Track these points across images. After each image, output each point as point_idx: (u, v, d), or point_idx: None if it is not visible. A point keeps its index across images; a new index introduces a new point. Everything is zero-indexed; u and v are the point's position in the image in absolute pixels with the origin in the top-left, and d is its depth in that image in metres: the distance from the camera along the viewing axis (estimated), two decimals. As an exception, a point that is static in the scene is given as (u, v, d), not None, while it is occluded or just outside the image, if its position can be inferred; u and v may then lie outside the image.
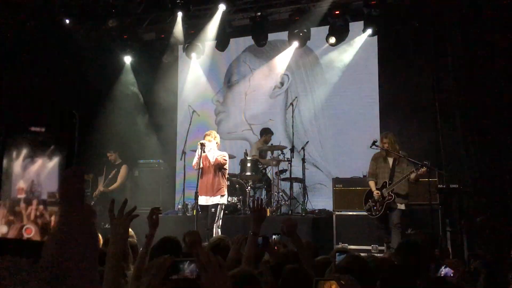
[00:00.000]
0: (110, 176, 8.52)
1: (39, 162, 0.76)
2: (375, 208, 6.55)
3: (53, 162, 0.77)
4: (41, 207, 0.76)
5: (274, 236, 3.24)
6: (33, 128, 0.75)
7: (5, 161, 0.74)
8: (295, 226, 3.10)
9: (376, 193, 6.51)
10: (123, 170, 8.54)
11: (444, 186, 6.35)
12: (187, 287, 1.50)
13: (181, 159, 8.01)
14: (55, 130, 0.77)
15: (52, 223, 0.74)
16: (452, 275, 2.49)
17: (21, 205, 0.75)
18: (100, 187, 8.47)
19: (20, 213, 0.74)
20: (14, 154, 0.75)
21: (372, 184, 6.65)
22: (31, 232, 0.75)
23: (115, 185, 8.46)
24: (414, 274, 2.72)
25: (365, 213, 6.76)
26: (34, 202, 0.75)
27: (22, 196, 0.75)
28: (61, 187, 0.75)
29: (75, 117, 0.78)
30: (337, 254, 2.67)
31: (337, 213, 7.60)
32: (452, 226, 6.30)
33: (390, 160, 6.57)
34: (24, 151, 0.75)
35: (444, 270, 2.54)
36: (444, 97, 7.76)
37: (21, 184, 0.75)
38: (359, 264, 2.48)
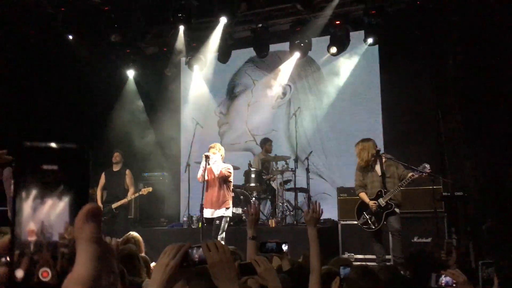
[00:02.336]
0: (115, 185, 8.11)
1: (49, 202, 0.73)
2: (372, 220, 6.14)
3: (64, 202, 0.75)
4: (55, 249, 0.73)
5: (283, 245, 3.25)
6: (45, 166, 0.74)
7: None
8: (319, 216, 3.04)
9: (372, 204, 6.11)
10: (129, 174, 8.14)
11: (449, 194, 6.30)
12: (197, 272, 1.60)
13: (185, 171, 8.05)
14: (67, 168, 0.75)
15: (68, 265, 0.72)
16: (453, 285, 2.49)
17: (33, 248, 0.73)
18: (128, 197, 7.95)
19: (33, 256, 0.72)
20: (24, 194, 0.72)
21: (364, 195, 6.24)
22: (47, 275, 0.73)
23: (131, 192, 8.01)
24: (422, 284, 2.73)
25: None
26: (46, 244, 0.73)
27: (33, 238, 0.72)
28: (75, 228, 0.73)
29: (88, 154, 0.77)
30: (341, 267, 2.68)
31: (342, 222, 7.59)
32: (458, 233, 6.25)
33: (377, 168, 6.21)
34: (33, 191, 0.72)
35: (445, 280, 2.54)
36: (446, 104, 7.78)
37: (32, 226, 0.72)
38: (369, 276, 2.48)
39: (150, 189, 8.02)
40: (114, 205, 7.88)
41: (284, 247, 3.14)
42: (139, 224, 9.11)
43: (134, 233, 4.20)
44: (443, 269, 2.75)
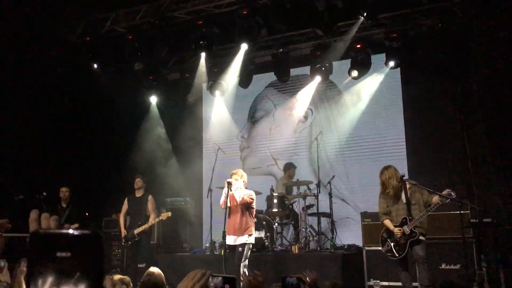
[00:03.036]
0: (137, 211, 8.08)
1: None
2: (397, 248, 6.01)
3: None
4: None
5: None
6: (59, 254, 0.74)
7: None
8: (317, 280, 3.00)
9: (398, 230, 5.98)
10: (151, 200, 8.12)
11: (477, 220, 6.12)
12: None
13: (207, 197, 8.05)
14: (81, 254, 0.75)
15: None
16: None
17: None
18: (149, 223, 7.89)
19: None
20: (40, 282, 0.73)
21: (388, 223, 6.11)
22: None
23: (152, 218, 7.97)
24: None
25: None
26: None
27: None
28: None
29: (101, 239, 0.77)
30: None
31: (367, 248, 7.46)
32: (487, 261, 6.03)
33: (402, 195, 6.07)
34: (49, 279, 0.73)
35: None
36: (472, 127, 7.64)
37: None
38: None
39: (169, 214, 8.03)
40: (136, 231, 7.90)
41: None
42: (162, 250, 9.11)
43: (155, 269, 4.15)
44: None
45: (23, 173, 8.52)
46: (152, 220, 8.00)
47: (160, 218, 7.98)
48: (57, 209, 8.03)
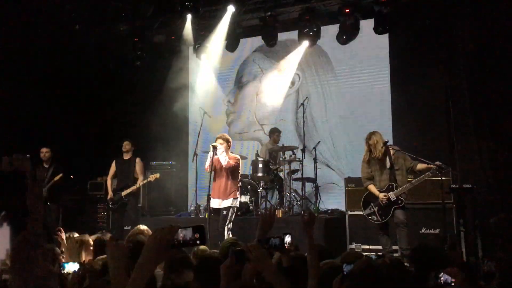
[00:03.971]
0: (125, 173, 8.14)
1: None
2: (380, 213, 6.12)
3: (4, 229, 0.74)
4: None
5: (287, 236, 3.12)
6: None
7: None
8: (314, 220, 3.04)
9: (383, 196, 6.06)
10: (139, 163, 8.16)
11: (457, 186, 6.22)
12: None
13: (193, 161, 8.07)
14: (5, 195, 0.74)
15: None
16: (452, 283, 2.47)
17: None
18: (137, 184, 7.98)
19: None
20: None
21: (372, 188, 6.19)
22: None
23: (140, 180, 8.03)
24: (422, 282, 2.71)
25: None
26: None
27: None
28: (12, 254, 0.73)
29: (26, 178, 0.76)
30: (345, 264, 2.64)
31: (350, 212, 7.57)
32: (466, 226, 6.18)
33: (386, 160, 6.13)
34: None
35: (444, 278, 2.51)
36: (457, 95, 7.66)
37: None
38: (371, 273, 2.46)
39: (158, 175, 8.06)
40: (124, 193, 7.93)
41: (287, 239, 2.88)
42: (147, 213, 9.17)
43: (144, 226, 4.20)
44: (445, 266, 2.73)
45: (4, 134, 8.42)
46: (140, 181, 8.03)
47: (149, 179, 8.00)
48: (40, 171, 7.99)
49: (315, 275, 2.63)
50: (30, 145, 8.02)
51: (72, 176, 8.88)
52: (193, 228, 1.75)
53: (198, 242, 1.74)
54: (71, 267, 3.11)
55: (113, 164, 8.25)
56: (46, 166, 8.07)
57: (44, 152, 8.08)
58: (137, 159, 8.18)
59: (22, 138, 8.51)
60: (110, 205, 8.12)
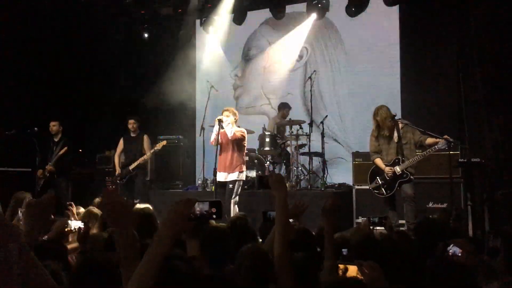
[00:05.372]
0: (133, 150, 8.10)
1: None
2: (385, 187, 6.06)
3: None
4: None
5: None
6: None
7: None
8: (336, 209, 2.93)
9: (388, 169, 5.99)
10: (147, 139, 8.15)
11: (465, 160, 6.16)
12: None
13: (200, 135, 8.06)
14: None
15: None
16: (460, 254, 2.45)
17: None
18: (145, 157, 7.94)
19: None
20: None
21: (379, 161, 6.11)
22: None
23: (147, 155, 8.01)
24: (427, 253, 2.70)
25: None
26: None
27: None
28: None
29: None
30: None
31: (357, 187, 7.56)
32: (473, 200, 6.14)
33: (394, 134, 6.06)
34: None
35: (452, 249, 2.49)
36: (467, 68, 7.52)
37: None
38: (371, 245, 2.45)
39: (165, 142, 8.07)
40: (131, 166, 7.93)
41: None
42: (155, 186, 9.22)
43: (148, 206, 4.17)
44: (449, 238, 2.71)
45: (14, 108, 8.45)
46: (147, 155, 8.02)
47: (155, 148, 7.98)
48: (49, 145, 8.03)
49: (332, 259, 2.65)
50: (41, 119, 8.06)
51: (80, 150, 8.92)
52: (210, 203, 1.77)
53: (214, 216, 1.76)
54: (74, 223, 3.37)
55: (121, 141, 8.23)
56: (56, 140, 8.09)
57: (52, 125, 8.10)
58: (145, 136, 8.16)
59: (33, 112, 8.55)
60: (118, 181, 8.14)
